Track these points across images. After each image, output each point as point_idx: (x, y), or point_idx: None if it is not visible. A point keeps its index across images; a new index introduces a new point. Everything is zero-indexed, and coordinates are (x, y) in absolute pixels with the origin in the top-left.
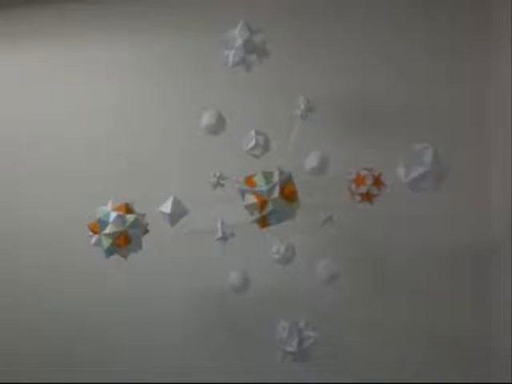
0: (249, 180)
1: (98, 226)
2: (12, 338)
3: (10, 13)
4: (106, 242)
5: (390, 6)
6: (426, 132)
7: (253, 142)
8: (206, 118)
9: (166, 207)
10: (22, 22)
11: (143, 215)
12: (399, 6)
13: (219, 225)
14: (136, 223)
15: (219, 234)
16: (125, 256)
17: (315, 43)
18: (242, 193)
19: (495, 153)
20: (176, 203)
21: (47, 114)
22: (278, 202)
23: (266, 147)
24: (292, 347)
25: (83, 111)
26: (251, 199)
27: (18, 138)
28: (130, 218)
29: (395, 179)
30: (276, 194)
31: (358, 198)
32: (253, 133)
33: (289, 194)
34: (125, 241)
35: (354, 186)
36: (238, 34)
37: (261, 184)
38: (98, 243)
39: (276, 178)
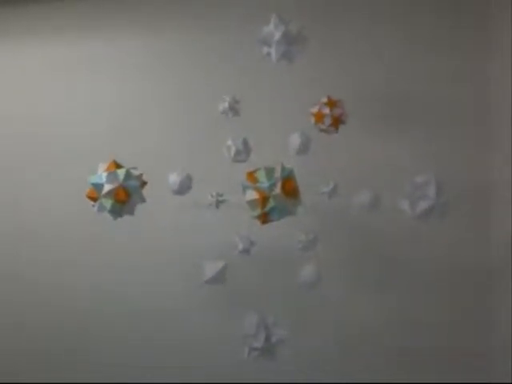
0: (251, 176)
1: (95, 192)
2: (12, 337)
3: (9, 11)
4: (108, 203)
5: (390, 6)
6: (427, 130)
7: (233, 150)
8: (172, 180)
9: (210, 272)
10: (21, 20)
11: (135, 168)
12: (400, 5)
13: (238, 238)
14: (129, 174)
15: (240, 248)
16: (131, 212)
17: (318, 43)
18: (244, 188)
19: (495, 152)
20: (215, 266)
21: (47, 112)
22: (279, 199)
23: (247, 149)
24: (258, 343)
25: (84, 109)
26: (253, 195)
27: (18, 137)
28: (121, 171)
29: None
30: (277, 190)
31: (333, 129)
32: (230, 142)
33: (290, 191)
34: (125, 194)
35: (320, 125)
36: (273, 29)
37: (262, 180)
38: (101, 208)
39: (278, 174)
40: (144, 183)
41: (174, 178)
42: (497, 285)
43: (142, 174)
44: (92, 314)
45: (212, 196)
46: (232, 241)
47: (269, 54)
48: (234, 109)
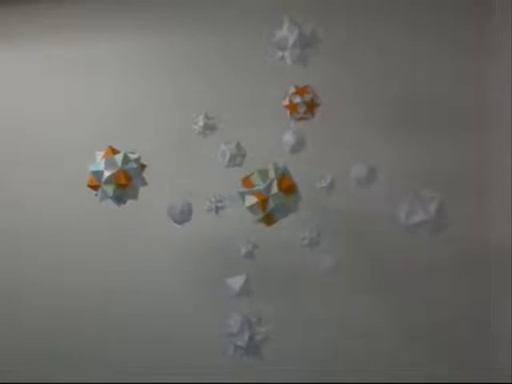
0: (246, 181)
1: (95, 180)
2: (12, 338)
3: (9, 11)
4: (110, 189)
5: (391, 6)
6: (426, 130)
7: (228, 155)
8: (172, 210)
9: (236, 284)
10: (21, 21)
11: (132, 152)
12: (401, 5)
13: (240, 243)
14: (127, 158)
15: (244, 251)
16: (134, 196)
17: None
18: (242, 195)
19: (495, 152)
20: (245, 282)
21: (47, 113)
22: (278, 197)
23: (241, 153)
24: (242, 341)
25: (83, 109)
26: (252, 200)
27: (18, 137)
28: (119, 156)
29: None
30: (275, 189)
31: (309, 115)
32: (223, 146)
33: (287, 187)
34: (125, 178)
35: (295, 115)
36: (287, 32)
37: (258, 183)
38: (104, 195)
39: (272, 174)
40: (143, 166)
41: (174, 209)
42: (497, 285)
43: (140, 157)
44: (91, 314)
45: (211, 202)
46: (235, 245)
47: (283, 58)
48: (208, 126)
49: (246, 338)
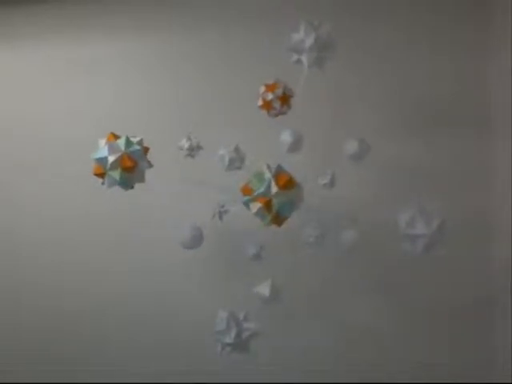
0: (245, 189)
1: (101, 167)
2: (11, 336)
3: (10, 12)
4: (116, 174)
5: (390, 6)
6: (426, 130)
7: (227, 159)
8: (183, 236)
9: (264, 290)
10: (21, 21)
11: (134, 136)
12: (400, 5)
13: (248, 245)
14: (129, 141)
15: (251, 254)
16: (141, 179)
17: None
18: (246, 204)
19: (495, 153)
20: (272, 286)
21: (47, 113)
22: (280, 195)
23: (241, 156)
24: (229, 339)
25: (83, 110)
26: (256, 205)
27: (18, 137)
28: (121, 140)
29: None
30: (274, 188)
31: (287, 108)
32: (222, 151)
33: (286, 183)
34: (130, 161)
35: (273, 112)
36: (304, 35)
37: (257, 186)
38: (110, 181)
39: (267, 174)
40: (146, 149)
41: (184, 234)
42: (497, 284)
43: (142, 139)
44: (91, 314)
45: (214, 208)
46: (237, 245)
47: (299, 61)
48: (193, 147)
49: (232, 334)
